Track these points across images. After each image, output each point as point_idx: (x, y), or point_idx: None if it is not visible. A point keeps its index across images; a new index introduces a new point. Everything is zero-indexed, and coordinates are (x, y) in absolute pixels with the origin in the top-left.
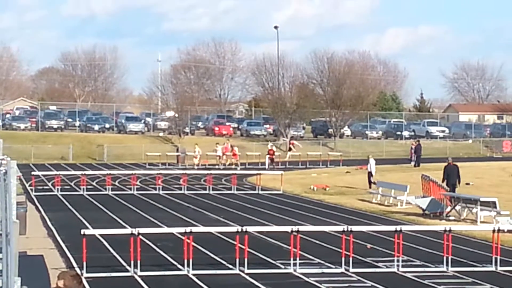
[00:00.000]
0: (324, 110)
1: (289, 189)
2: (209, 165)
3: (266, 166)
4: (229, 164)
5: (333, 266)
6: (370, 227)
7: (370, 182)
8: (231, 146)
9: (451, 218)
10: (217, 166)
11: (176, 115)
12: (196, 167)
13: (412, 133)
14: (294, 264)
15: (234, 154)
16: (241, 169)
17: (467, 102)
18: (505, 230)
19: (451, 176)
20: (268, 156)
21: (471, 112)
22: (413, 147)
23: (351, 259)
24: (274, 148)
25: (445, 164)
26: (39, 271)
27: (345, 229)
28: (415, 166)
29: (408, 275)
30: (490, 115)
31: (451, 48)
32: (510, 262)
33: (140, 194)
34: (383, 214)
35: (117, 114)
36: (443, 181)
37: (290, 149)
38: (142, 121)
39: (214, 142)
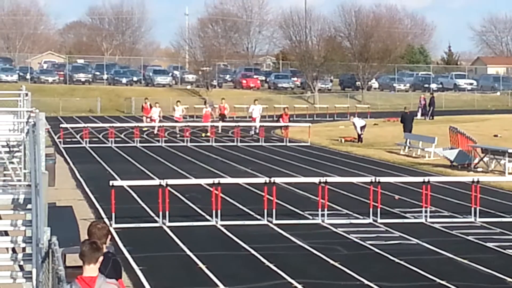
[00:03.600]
0: (351, 63)
1: (316, 141)
2: (236, 117)
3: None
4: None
5: (361, 217)
6: (398, 179)
7: (358, 136)
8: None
9: (479, 169)
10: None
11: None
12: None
13: (440, 86)
14: (322, 215)
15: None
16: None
17: (495, 55)
18: None
19: (407, 123)
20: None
21: (499, 64)
22: (422, 99)
23: (379, 210)
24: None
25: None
26: (68, 222)
27: (373, 180)
28: (430, 118)
29: (436, 225)
30: None
31: (479, 1)
32: None
33: (168, 146)
34: (411, 165)
35: (145, 67)
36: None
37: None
38: (170, 74)
39: (242, 95)
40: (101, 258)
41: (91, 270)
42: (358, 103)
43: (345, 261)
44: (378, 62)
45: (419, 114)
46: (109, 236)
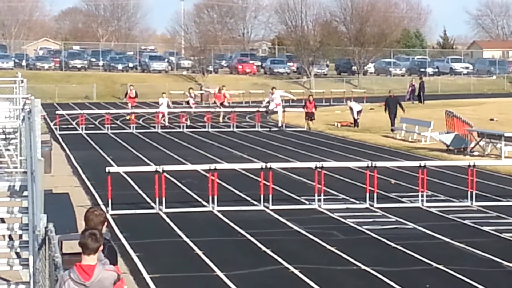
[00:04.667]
0: (347, 48)
1: (313, 126)
2: (233, 103)
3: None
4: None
5: (358, 202)
6: (394, 163)
7: (355, 121)
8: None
9: (475, 153)
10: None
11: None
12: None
13: (436, 70)
14: (319, 200)
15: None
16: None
17: (491, 39)
18: None
19: (392, 107)
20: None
21: (495, 48)
22: (412, 83)
23: (375, 194)
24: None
25: (387, 96)
26: (65, 209)
27: (369, 165)
28: (421, 103)
29: (432, 209)
30: None
31: None
32: None
33: (164, 132)
34: (407, 150)
35: (141, 53)
36: (385, 111)
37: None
38: (166, 60)
39: (237, 80)
40: (100, 248)
41: (90, 259)
42: (354, 87)
43: (342, 246)
44: (374, 47)
45: (411, 98)
46: (106, 223)
